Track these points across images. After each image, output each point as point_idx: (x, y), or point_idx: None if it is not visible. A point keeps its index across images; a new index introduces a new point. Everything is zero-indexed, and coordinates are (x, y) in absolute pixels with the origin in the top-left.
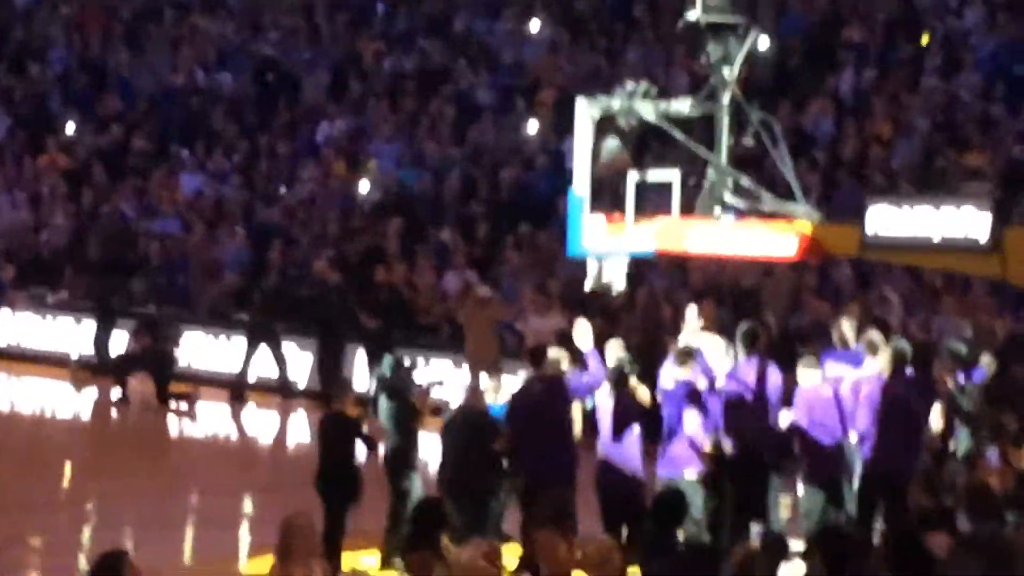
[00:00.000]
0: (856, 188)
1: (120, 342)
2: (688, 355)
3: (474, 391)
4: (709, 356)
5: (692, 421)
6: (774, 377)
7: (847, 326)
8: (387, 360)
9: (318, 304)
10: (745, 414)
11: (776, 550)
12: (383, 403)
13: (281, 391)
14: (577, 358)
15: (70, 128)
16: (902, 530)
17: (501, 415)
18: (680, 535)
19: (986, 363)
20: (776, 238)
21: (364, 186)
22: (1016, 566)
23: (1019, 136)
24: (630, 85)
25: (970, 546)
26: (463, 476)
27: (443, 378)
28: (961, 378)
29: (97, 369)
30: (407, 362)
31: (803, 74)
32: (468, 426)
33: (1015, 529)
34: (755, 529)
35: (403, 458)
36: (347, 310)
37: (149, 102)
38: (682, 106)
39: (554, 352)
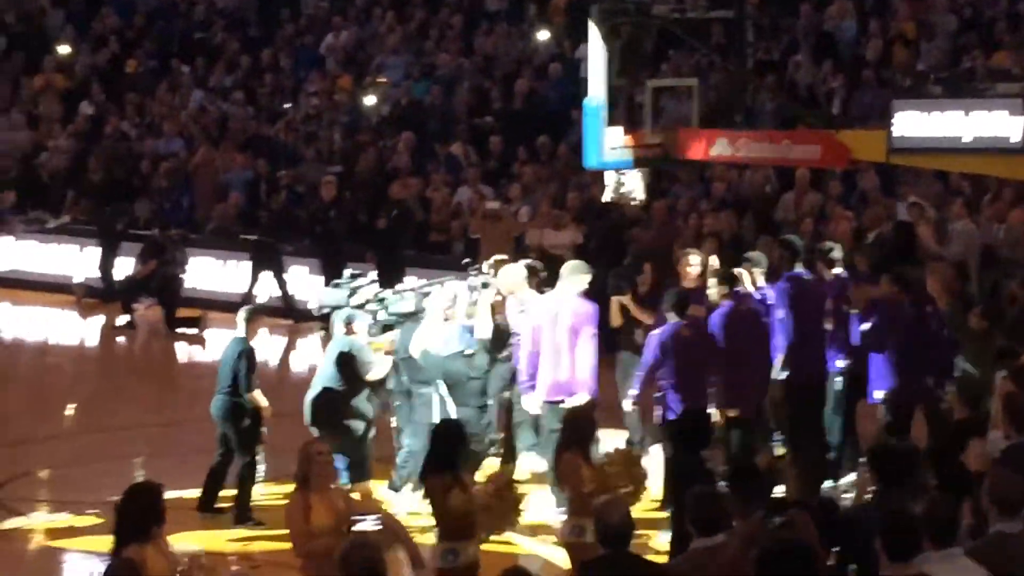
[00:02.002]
0: (880, 91)
1: (125, 267)
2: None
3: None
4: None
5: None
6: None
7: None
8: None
9: (323, 223)
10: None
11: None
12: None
13: (291, 314)
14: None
15: (67, 46)
16: (944, 442)
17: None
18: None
19: None
20: (800, 145)
21: (370, 100)
22: None
23: None
24: None
25: (1016, 458)
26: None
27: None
28: None
29: (102, 295)
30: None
31: None
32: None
33: None
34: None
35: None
36: (354, 229)
37: (147, 17)
38: (699, 11)
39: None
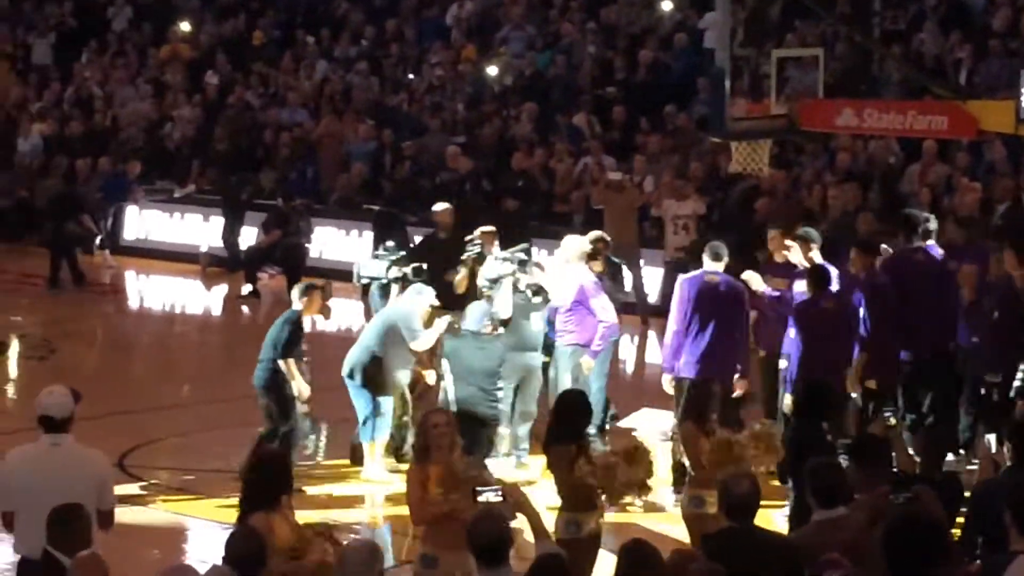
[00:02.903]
0: (1008, 60)
1: (250, 236)
2: None
3: None
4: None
5: None
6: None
7: None
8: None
9: (458, 195)
10: None
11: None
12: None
13: None
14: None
15: (192, 18)
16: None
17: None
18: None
19: None
20: (927, 115)
21: (494, 70)
22: None
23: None
24: None
25: None
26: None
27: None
28: None
29: (227, 265)
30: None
31: None
32: None
33: None
34: None
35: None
36: (479, 199)
37: None
38: None
39: None
